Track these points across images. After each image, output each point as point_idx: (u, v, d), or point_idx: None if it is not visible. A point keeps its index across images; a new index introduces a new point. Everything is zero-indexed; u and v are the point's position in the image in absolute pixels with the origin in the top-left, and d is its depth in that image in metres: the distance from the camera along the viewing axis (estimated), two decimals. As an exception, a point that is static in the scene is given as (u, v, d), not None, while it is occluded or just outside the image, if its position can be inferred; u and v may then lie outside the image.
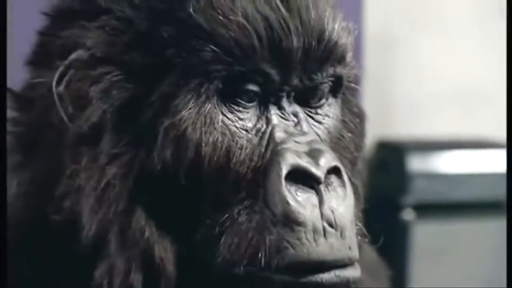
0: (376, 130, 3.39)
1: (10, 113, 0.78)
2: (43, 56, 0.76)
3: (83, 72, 0.71)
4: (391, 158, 3.25)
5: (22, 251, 0.73)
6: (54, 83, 0.71)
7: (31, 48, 0.80)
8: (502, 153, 3.23)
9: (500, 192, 3.15)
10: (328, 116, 0.77)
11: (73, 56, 0.71)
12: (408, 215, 3.07)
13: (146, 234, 0.68)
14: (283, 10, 0.71)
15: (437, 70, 3.59)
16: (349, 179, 0.74)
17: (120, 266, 0.68)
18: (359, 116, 0.83)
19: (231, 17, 0.68)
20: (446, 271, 3.15)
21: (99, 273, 0.69)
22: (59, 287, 0.73)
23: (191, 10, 0.68)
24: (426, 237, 3.10)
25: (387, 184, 3.14)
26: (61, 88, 0.71)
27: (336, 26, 0.75)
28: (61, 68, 0.71)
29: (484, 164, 3.24)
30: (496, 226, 3.21)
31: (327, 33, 0.73)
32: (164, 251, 0.69)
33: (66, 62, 0.71)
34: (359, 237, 0.75)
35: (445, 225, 3.15)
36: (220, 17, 0.69)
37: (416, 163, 3.13)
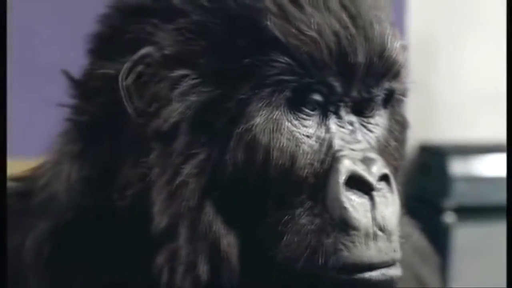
0: (418, 133, 3.39)
1: (70, 100, 0.81)
2: (107, 48, 0.78)
3: (156, 71, 0.74)
4: (433, 161, 3.25)
5: (80, 233, 0.77)
6: (121, 77, 0.74)
7: (92, 37, 0.81)
8: None
9: None
10: (378, 126, 0.81)
11: (142, 51, 0.74)
12: (449, 217, 3.08)
13: (214, 228, 0.72)
14: (351, 27, 0.73)
15: (478, 73, 3.55)
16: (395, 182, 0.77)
17: (185, 256, 0.72)
18: (403, 125, 0.86)
19: (306, 32, 0.72)
20: (487, 272, 3.12)
21: (161, 259, 0.73)
22: (115, 269, 0.76)
23: (268, 22, 0.71)
24: (467, 239, 3.10)
25: (429, 187, 3.14)
26: (128, 82, 0.74)
27: (395, 44, 0.77)
28: (128, 63, 0.74)
29: None
30: None
31: (387, 50, 0.76)
32: (229, 246, 0.72)
33: (135, 57, 0.74)
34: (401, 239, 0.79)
35: (486, 228, 3.13)
36: (295, 31, 0.72)
37: (457, 167, 3.13)
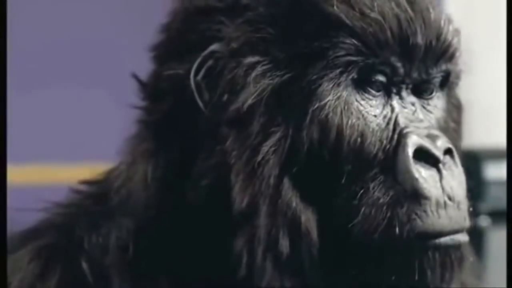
0: None
1: (140, 103, 0.85)
2: (174, 50, 0.82)
3: (227, 63, 0.77)
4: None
5: (160, 231, 0.80)
6: (192, 73, 0.78)
7: (157, 41, 0.85)
8: None
9: None
10: (437, 107, 0.85)
11: (212, 47, 0.78)
12: (484, 221, 3.07)
13: (293, 204, 0.75)
14: (409, 11, 0.78)
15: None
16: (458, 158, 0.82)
17: (265, 234, 0.74)
18: (459, 108, 0.90)
19: (370, 14, 0.76)
20: None
21: (240, 242, 0.75)
22: (195, 260, 0.79)
23: (335, 7, 0.75)
24: (502, 243, 3.04)
25: None
26: (199, 78, 0.78)
27: (450, 28, 0.82)
28: (199, 59, 0.78)
29: None
30: None
31: (444, 33, 0.80)
32: (308, 221, 0.75)
33: (205, 53, 0.78)
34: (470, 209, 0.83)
35: None
36: (359, 14, 0.76)
37: (491, 171, 3.13)
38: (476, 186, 3.07)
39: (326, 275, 0.77)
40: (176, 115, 0.80)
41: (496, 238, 3.08)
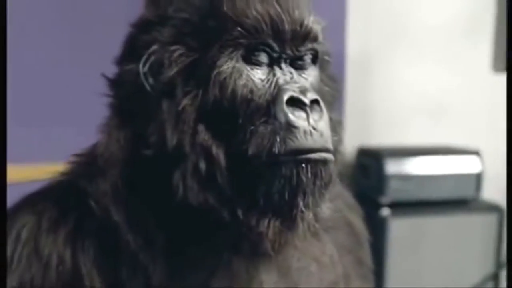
0: (357, 139, 3.63)
1: (107, 91, 1.08)
2: (129, 55, 1.06)
3: (161, 55, 1.01)
4: (370, 163, 3.42)
5: (134, 174, 1.04)
6: (141, 66, 1.01)
7: (120, 51, 1.09)
8: (464, 158, 3.45)
9: (465, 191, 3.43)
10: (311, 76, 1.09)
11: (152, 48, 1.01)
12: (385, 212, 3.26)
13: (206, 138, 0.98)
14: (278, 8, 1.01)
15: (410, 85, 3.76)
16: (327, 111, 1.04)
17: (190, 165, 0.98)
18: (332, 78, 1.14)
19: (248, 12, 1.01)
20: (419, 260, 3.32)
21: (176, 178, 0.98)
22: (155, 190, 1.02)
23: (225, 8, 1.00)
24: (401, 231, 3.27)
25: (367, 185, 3.35)
26: (145, 69, 1.01)
27: (311, 18, 1.07)
28: (144, 57, 1.02)
29: (450, 167, 3.40)
30: (463, 220, 3.41)
31: (305, 22, 1.06)
32: (218, 150, 0.98)
33: (148, 52, 1.02)
34: (336, 141, 1.08)
35: (418, 221, 3.31)
36: (242, 12, 1.00)
37: (392, 167, 3.30)
38: (377, 180, 3.31)
39: (233, 189, 0.99)
40: (133, 97, 1.05)
41: (396, 227, 3.27)
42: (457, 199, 3.45)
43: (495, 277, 3.39)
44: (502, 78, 3.66)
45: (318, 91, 1.06)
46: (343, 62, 3.57)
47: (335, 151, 1.04)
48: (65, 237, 1.01)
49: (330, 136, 1.02)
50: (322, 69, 1.10)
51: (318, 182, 1.00)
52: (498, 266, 3.37)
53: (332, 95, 1.11)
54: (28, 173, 2.95)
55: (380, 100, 3.75)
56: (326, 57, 1.11)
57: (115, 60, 1.08)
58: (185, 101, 0.99)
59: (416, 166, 3.37)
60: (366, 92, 3.71)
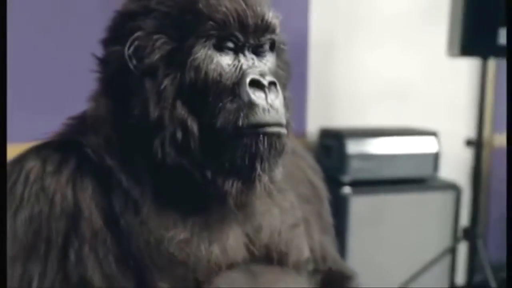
0: (320, 120, 3.71)
1: (95, 67, 1.23)
2: (115, 38, 1.21)
3: (145, 42, 1.15)
4: (332, 143, 3.51)
5: (113, 134, 1.19)
6: (126, 49, 1.17)
7: (106, 33, 1.24)
8: (422, 139, 3.54)
9: (423, 170, 3.55)
10: (269, 61, 1.26)
11: (136, 34, 1.16)
12: (346, 190, 3.37)
13: (183, 113, 1.14)
14: (243, 5, 1.17)
15: (371, 69, 3.84)
16: (282, 91, 1.21)
17: (168, 135, 1.14)
18: (286, 63, 1.30)
19: (218, 8, 1.15)
20: (379, 236, 3.43)
21: (155, 144, 1.14)
22: (135, 148, 1.18)
23: (200, 5, 1.15)
24: (361, 208, 3.38)
25: (330, 164, 3.39)
26: (130, 52, 1.17)
27: (271, 14, 1.21)
28: (130, 41, 1.17)
29: (408, 147, 3.49)
30: (421, 198, 3.53)
31: (266, 17, 1.22)
32: (192, 122, 1.15)
33: (133, 37, 1.17)
34: (288, 117, 1.24)
35: (378, 198, 3.42)
36: (213, 8, 1.15)
37: (353, 147, 3.40)
38: (339, 160, 3.41)
39: (204, 155, 1.15)
40: (118, 74, 1.20)
41: (357, 204, 3.38)
42: (415, 178, 3.56)
43: (452, 250, 3.52)
44: (458, 63, 3.82)
45: (275, 74, 1.23)
46: (306, 48, 3.66)
47: (287, 125, 1.20)
48: (67, 178, 1.15)
49: (283, 113, 1.18)
50: (278, 56, 1.27)
51: (273, 151, 1.16)
52: (455, 240, 3.50)
53: (286, 77, 1.28)
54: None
55: (342, 84, 3.82)
56: (282, 46, 1.27)
57: (101, 41, 1.24)
58: (166, 82, 1.15)
59: (376, 146, 3.46)
60: (328, 77, 3.79)
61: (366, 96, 3.86)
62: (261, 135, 1.15)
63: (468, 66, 3.98)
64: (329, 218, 1.48)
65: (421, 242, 3.52)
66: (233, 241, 1.22)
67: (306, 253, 1.33)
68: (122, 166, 1.17)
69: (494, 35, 3.06)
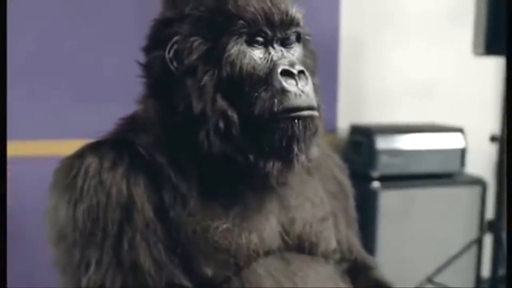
0: (350, 117, 3.76)
1: (139, 71, 1.32)
2: (155, 44, 1.30)
3: (183, 45, 1.25)
4: (362, 139, 3.56)
5: (162, 133, 1.30)
6: (166, 53, 1.26)
7: (146, 41, 1.32)
8: (449, 135, 3.58)
9: (450, 165, 3.59)
10: (297, 52, 1.35)
11: (175, 39, 1.26)
12: (375, 185, 3.42)
13: (223, 104, 1.24)
14: (269, 3, 1.27)
15: (399, 67, 3.86)
16: (311, 78, 1.31)
17: (211, 126, 1.23)
18: (313, 52, 1.40)
19: (247, 8, 1.25)
20: (407, 229, 3.47)
21: (201, 136, 1.24)
22: (182, 145, 1.28)
23: (229, 6, 1.26)
24: (390, 202, 3.42)
25: (359, 160, 3.47)
26: (170, 55, 1.26)
27: (294, 9, 1.30)
28: (169, 45, 1.26)
29: (436, 143, 3.53)
30: (448, 192, 3.58)
31: (290, 12, 1.30)
32: (232, 112, 1.24)
33: (172, 41, 1.26)
34: (318, 101, 1.33)
35: (406, 193, 3.46)
36: (242, 8, 1.25)
37: (382, 143, 3.45)
38: (368, 156, 3.45)
39: (245, 141, 1.24)
40: (161, 77, 1.31)
41: (385, 199, 3.42)
42: (442, 173, 3.60)
43: (478, 242, 3.55)
44: (484, 61, 3.86)
45: (303, 63, 1.33)
46: (337, 47, 3.71)
47: (319, 108, 1.31)
48: (122, 173, 1.25)
49: (314, 97, 1.28)
50: (304, 46, 1.37)
51: (307, 132, 1.26)
52: (481, 232, 3.53)
53: (313, 65, 1.38)
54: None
55: (371, 82, 3.86)
56: (307, 37, 1.38)
57: (142, 48, 1.35)
58: (205, 78, 1.24)
59: (404, 142, 3.50)
60: (358, 75, 3.82)
61: (395, 94, 3.88)
62: (295, 119, 1.24)
63: (494, 64, 3.98)
64: (353, 213, 1.58)
65: (448, 235, 3.55)
66: (269, 231, 1.31)
67: (333, 244, 1.43)
68: (171, 163, 1.27)
69: (518, 34, 3.10)
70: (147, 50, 1.34)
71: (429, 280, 3.41)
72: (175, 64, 1.28)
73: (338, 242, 1.47)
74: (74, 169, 1.25)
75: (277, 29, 1.29)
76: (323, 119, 1.35)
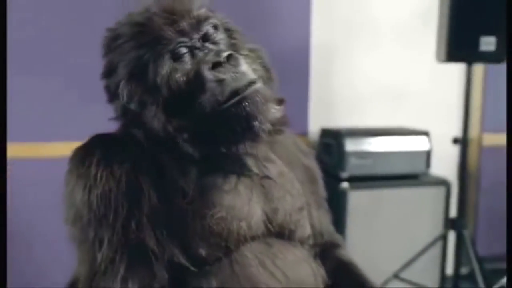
0: (321, 120, 3.78)
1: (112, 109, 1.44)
2: (111, 96, 1.42)
3: (128, 90, 1.36)
4: (332, 142, 3.58)
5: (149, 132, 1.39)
6: (120, 100, 1.38)
7: (105, 95, 1.43)
8: (415, 138, 3.61)
9: (415, 167, 3.63)
10: (222, 39, 1.42)
11: (120, 87, 1.37)
12: (345, 185, 3.45)
13: (179, 123, 1.35)
14: (173, 16, 1.35)
15: (368, 73, 3.88)
16: (242, 51, 1.41)
17: (181, 139, 1.35)
18: (238, 32, 1.47)
19: (160, 32, 1.34)
20: (375, 228, 3.52)
21: (184, 146, 1.36)
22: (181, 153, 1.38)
23: (145, 35, 1.36)
24: (358, 202, 3.49)
25: (329, 161, 3.54)
26: (124, 100, 1.37)
27: (197, 7, 1.38)
28: (120, 95, 1.37)
29: (402, 145, 3.57)
30: (413, 193, 3.62)
31: (193, 13, 1.38)
32: (189, 121, 1.34)
33: (119, 90, 1.38)
34: (262, 70, 1.42)
35: (374, 193, 3.53)
36: (155, 32, 1.35)
37: (351, 146, 3.49)
38: (338, 157, 3.47)
39: (216, 137, 1.35)
40: (127, 110, 1.40)
41: (354, 198, 3.48)
42: (409, 174, 3.65)
43: (442, 238, 3.60)
44: (449, 67, 3.93)
45: (230, 45, 1.43)
46: (308, 54, 3.74)
47: (266, 71, 1.42)
48: (131, 164, 1.36)
49: (252, 71, 1.36)
50: (226, 30, 1.47)
51: (259, 103, 1.33)
52: (446, 230, 3.57)
53: (240, 37, 1.48)
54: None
55: (342, 87, 3.87)
56: (225, 21, 1.48)
57: (107, 101, 1.46)
58: (155, 109, 1.37)
59: (372, 145, 3.55)
60: (329, 79, 3.84)
61: (364, 98, 3.91)
62: (242, 99, 1.32)
63: (458, 70, 4.03)
64: (322, 193, 1.68)
65: (413, 233, 3.60)
66: (256, 219, 1.43)
67: (308, 231, 1.55)
68: (172, 161, 1.38)
69: (477, 42, 3.17)
70: (110, 101, 1.46)
71: (396, 276, 3.45)
72: (131, 105, 1.39)
73: (312, 226, 1.58)
74: (87, 159, 1.36)
75: (191, 33, 1.39)
76: (273, 77, 1.46)
